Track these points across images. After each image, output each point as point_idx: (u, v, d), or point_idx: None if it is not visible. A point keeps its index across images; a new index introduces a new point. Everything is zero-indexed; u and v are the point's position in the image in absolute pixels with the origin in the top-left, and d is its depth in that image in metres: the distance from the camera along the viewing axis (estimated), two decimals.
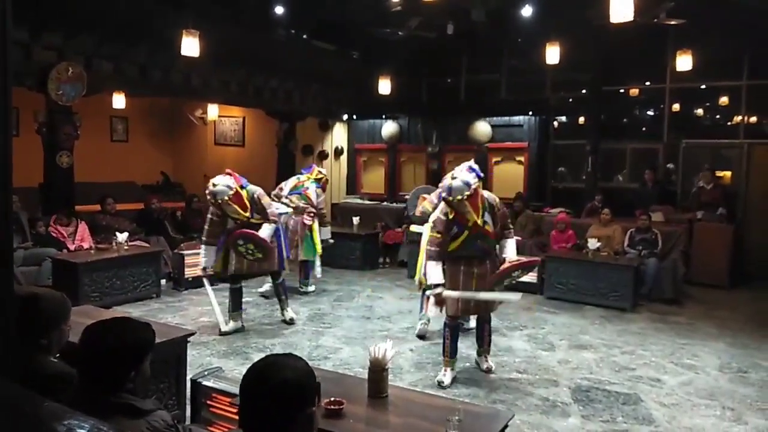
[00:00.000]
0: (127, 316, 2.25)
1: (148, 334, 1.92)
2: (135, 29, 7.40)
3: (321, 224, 7.28)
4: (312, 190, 7.21)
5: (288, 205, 7.07)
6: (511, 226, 4.67)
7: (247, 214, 5.58)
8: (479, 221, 4.31)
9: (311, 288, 7.39)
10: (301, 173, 7.44)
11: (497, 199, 4.54)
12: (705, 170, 8.84)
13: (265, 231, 5.55)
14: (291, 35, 9.42)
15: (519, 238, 8.24)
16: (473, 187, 4.18)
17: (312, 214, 7.18)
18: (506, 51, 10.99)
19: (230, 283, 5.76)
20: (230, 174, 5.54)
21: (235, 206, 5.47)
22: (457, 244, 4.43)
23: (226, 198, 5.36)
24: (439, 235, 4.39)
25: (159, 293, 6.85)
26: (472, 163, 4.47)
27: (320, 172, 7.51)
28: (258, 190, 5.67)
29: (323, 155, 11.98)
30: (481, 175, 4.43)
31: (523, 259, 4.67)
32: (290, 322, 5.96)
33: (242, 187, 5.57)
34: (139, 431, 1.72)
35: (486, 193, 4.49)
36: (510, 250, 4.52)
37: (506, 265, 4.40)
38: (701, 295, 7.57)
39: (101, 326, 1.87)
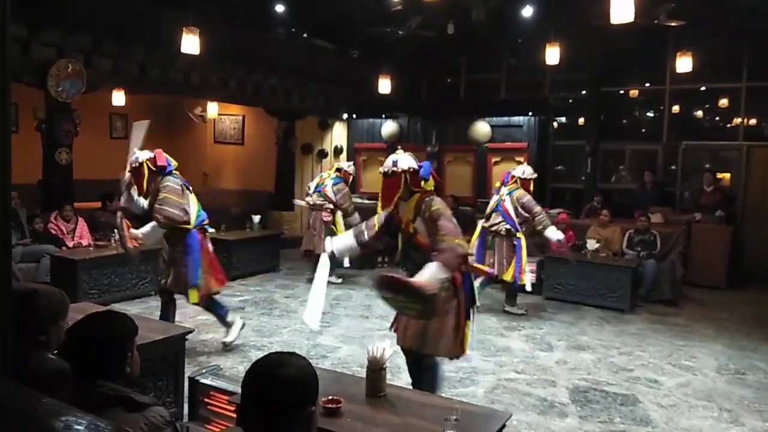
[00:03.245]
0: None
1: (130, 319, 2.02)
2: (134, 27, 7.39)
3: (346, 215, 7.65)
4: (329, 187, 7.58)
5: (308, 203, 7.68)
6: (444, 244, 3.27)
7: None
8: (410, 226, 3.47)
9: (339, 280, 7.71)
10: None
11: (437, 205, 3.42)
12: (706, 172, 8.86)
13: (144, 230, 4.70)
14: (290, 34, 9.40)
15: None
16: (400, 168, 3.47)
17: (329, 210, 7.56)
18: (506, 51, 10.99)
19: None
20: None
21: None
22: (398, 255, 3.67)
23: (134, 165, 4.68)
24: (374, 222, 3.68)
25: (157, 291, 6.84)
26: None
27: (340, 168, 7.82)
28: (170, 183, 4.71)
29: (322, 154, 11.97)
30: (429, 173, 3.56)
31: (417, 282, 3.08)
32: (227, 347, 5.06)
33: (156, 170, 4.74)
34: (136, 426, 1.72)
35: (435, 200, 3.47)
36: (426, 273, 3.15)
37: (397, 278, 3.10)
38: (699, 297, 7.58)
39: (88, 319, 1.94)
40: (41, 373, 1.98)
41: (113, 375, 1.82)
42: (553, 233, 6.30)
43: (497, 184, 6.75)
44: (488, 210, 6.59)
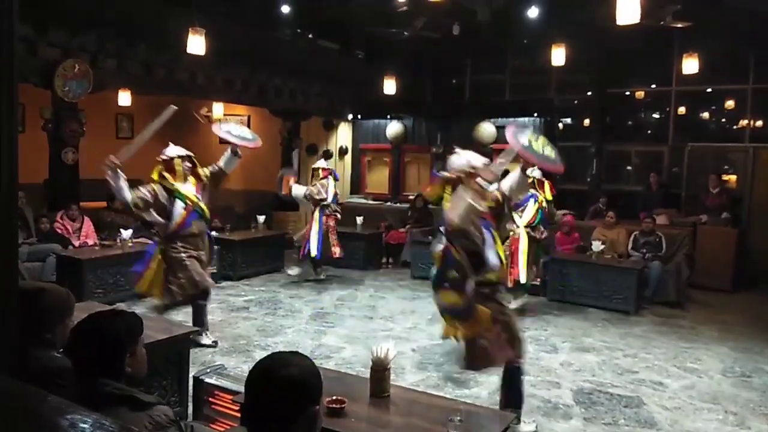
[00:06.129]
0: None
1: (136, 318, 2.01)
2: (140, 27, 7.43)
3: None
4: (332, 187, 7.93)
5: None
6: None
7: (197, 196, 5.16)
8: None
9: (322, 276, 7.97)
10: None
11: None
12: (712, 174, 8.84)
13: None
14: (295, 34, 9.43)
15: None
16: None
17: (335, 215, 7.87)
18: (511, 52, 10.99)
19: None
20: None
21: (192, 178, 5.22)
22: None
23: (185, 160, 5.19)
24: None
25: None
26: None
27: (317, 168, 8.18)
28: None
29: (328, 155, 11.98)
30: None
31: None
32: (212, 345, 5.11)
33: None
34: (141, 425, 1.73)
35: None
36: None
37: None
38: (705, 299, 7.54)
39: (90, 318, 1.93)
40: (46, 371, 1.99)
41: (113, 374, 1.82)
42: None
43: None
44: (532, 220, 6.22)
